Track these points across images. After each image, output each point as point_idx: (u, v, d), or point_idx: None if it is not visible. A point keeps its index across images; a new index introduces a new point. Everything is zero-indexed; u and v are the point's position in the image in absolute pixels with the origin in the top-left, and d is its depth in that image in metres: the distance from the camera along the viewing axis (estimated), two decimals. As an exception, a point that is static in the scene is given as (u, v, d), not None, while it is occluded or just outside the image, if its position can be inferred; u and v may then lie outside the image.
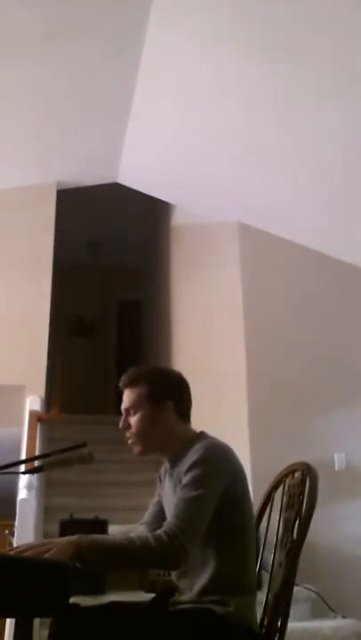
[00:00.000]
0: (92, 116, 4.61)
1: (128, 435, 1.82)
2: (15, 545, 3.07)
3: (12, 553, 1.56)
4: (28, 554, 1.50)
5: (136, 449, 1.81)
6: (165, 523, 1.61)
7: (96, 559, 1.54)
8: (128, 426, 1.81)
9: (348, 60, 3.34)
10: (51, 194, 5.18)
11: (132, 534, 1.62)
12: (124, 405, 1.83)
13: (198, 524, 1.59)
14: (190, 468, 1.66)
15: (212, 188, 4.91)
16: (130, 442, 1.82)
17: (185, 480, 1.65)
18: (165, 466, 1.87)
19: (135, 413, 1.80)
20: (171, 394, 1.81)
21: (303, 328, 4.85)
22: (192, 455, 1.69)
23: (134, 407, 1.80)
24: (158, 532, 1.57)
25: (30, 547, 1.54)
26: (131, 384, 1.83)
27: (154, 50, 3.83)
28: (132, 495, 4.53)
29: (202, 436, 1.80)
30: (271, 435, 4.41)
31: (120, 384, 1.86)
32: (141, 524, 1.90)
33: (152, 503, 1.94)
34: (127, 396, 1.83)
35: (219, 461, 1.69)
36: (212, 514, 1.62)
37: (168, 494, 1.80)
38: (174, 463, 1.79)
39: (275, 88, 3.73)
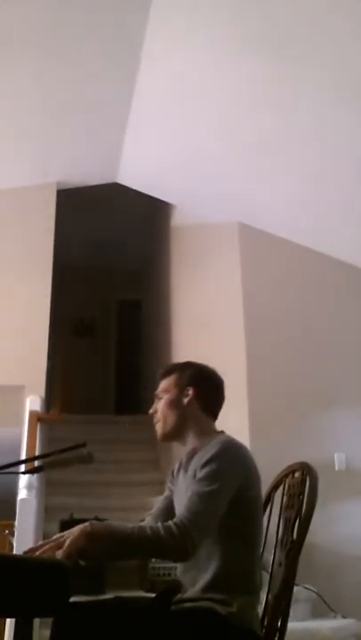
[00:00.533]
0: (92, 116, 4.61)
1: (155, 419, 1.90)
2: (15, 546, 3.08)
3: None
4: (44, 550, 1.50)
5: (158, 432, 1.89)
6: (177, 515, 1.62)
7: (107, 546, 1.55)
8: (155, 410, 1.89)
9: (348, 59, 3.34)
10: (51, 194, 5.17)
11: (142, 523, 1.63)
12: (155, 392, 1.93)
13: (210, 518, 1.60)
14: (206, 463, 1.67)
15: (212, 188, 4.91)
16: (156, 427, 1.90)
17: (200, 474, 1.66)
18: (181, 460, 1.90)
19: (162, 398, 1.89)
20: (195, 382, 1.88)
21: (303, 328, 4.85)
22: (209, 449, 1.71)
23: (163, 392, 1.90)
24: (169, 522, 1.57)
25: (40, 545, 1.54)
26: (165, 375, 1.93)
27: (154, 49, 3.83)
28: (132, 495, 4.53)
29: (222, 434, 1.84)
30: (271, 435, 4.41)
31: (157, 377, 1.95)
32: (148, 515, 1.91)
33: (162, 497, 1.94)
34: (160, 385, 1.92)
35: (235, 459, 1.71)
36: (225, 508, 1.63)
37: (181, 488, 1.81)
38: (191, 456, 1.81)
39: (275, 88, 3.73)
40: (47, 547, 1.51)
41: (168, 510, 1.85)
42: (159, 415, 1.88)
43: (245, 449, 1.78)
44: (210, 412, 1.89)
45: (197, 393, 1.86)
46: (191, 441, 1.84)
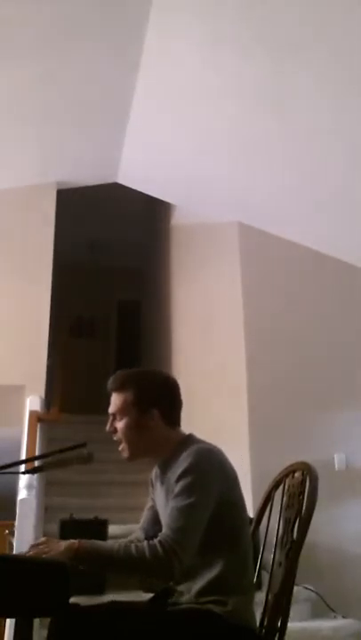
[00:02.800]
0: (92, 116, 4.61)
1: (115, 438, 1.82)
2: (15, 546, 3.07)
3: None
4: (29, 553, 1.51)
5: (124, 454, 1.82)
6: (160, 534, 1.61)
7: (92, 566, 1.57)
8: (114, 430, 1.81)
9: (347, 61, 3.34)
10: (51, 194, 5.17)
11: (130, 537, 1.62)
12: (110, 410, 1.83)
13: (193, 533, 1.59)
14: (180, 477, 1.65)
15: (212, 188, 4.91)
16: (119, 447, 1.82)
17: (177, 489, 1.64)
18: (156, 470, 1.87)
19: (121, 419, 1.80)
20: (157, 402, 1.80)
21: (303, 328, 4.85)
22: (182, 463, 1.68)
23: (120, 413, 1.80)
24: (154, 542, 1.57)
25: (32, 547, 1.55)
26: (118, 388, 1.82)
27: (154, 50, 3.83)
28: (132, 495, 4.53)
29: (190, 439, 1.80)
30: (271, 435, 4.40)
31: (108, 387, 1.85)
32: (139, 528, 1.90)
33: (146, 507, 1.94)
34: (114, 401, 1.82)
35: (209, 467, 1.68)
36: (207, 521, 1.62)
37: (161, 501, 1.80)
38: (164, 468, 1.79)
39: (275, 88, 3.73)
40: (32, 550, 1.52)
41: (155, 521, 1.84)
42: (120, 437, 1.80)
43: (219, 452, 1.75)
44: (174, 421, 1.83)
45: (162, 413, 1.79)
46: (160, 454, 1.81)
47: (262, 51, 3.51)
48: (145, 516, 1.91)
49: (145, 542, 1.58)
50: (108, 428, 1.82)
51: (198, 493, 1.62)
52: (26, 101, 4.32)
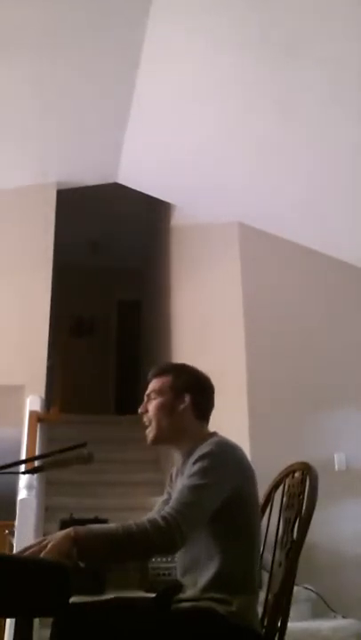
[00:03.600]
0: (92, 116, 4.61)
1: (145, 420, 1.86)
2: (15, 546, 3.08)
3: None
4: (26, 554, 1.50)
5: (149, 436, 1.85)
6: (165, 507, 1.62)
7: (93, 549, 1.53)
8: (146, 410, 1.86)
9: (348, 60, 3.34)
10: (51, 194, 5.17)
11: (129, 521, 1.62)
12: (147, 391, 1.89)
13: (198, 509, 1.59)
14: (198, 460, 1.67)
15: (212, 188, 4.91)
16: (147, 430, 1.86)
17: (191, 471, 1.66)
18: (177, 465, 1.89)
19: (155, 399, 1.85)
20: (192, 389, 1.86)
21: (303, 328, 4.85)
22: (202, 449, 1.71)
23: (156, 393, 1.85)
24: (155, 516, 1.57)
25: (27, 548, 1.54)
26: (157, 374, 1.89)
27: (154, 50, 3.83)
28: (132, 495, 4.53)
29: (215, 435, 1.83)
30: (271, 435, 4.40)
31: (149, 375, 1.91)
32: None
33: (160, 501, 1.94)
34: (152, 384, 1.88)
35: (227, 458, 1.70)
36: (216, 505, 1.62)
37: (177, 489, 1.81)
38: (185, 459, 1.80)
39: (275, 88, 3.73)
40: (29, 551, 1.51)
41: None
42: (150, 416, 1.84)
43: (239, 449, 1.77)
44: (203, 418, 1.88)
45: (193, 400, 1.84)
46: (184, 445, 1.83)
47: (263, 50, 3.51)
48: (157, 506, 1.92)
49: (145, 518, 1.59)
50: (140, 409, 1.87)
51: (211, 477, 1.63)
52: (26, 101, 4.32)
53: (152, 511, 1.90)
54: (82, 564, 1.52)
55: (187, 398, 1.83)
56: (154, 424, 1.83)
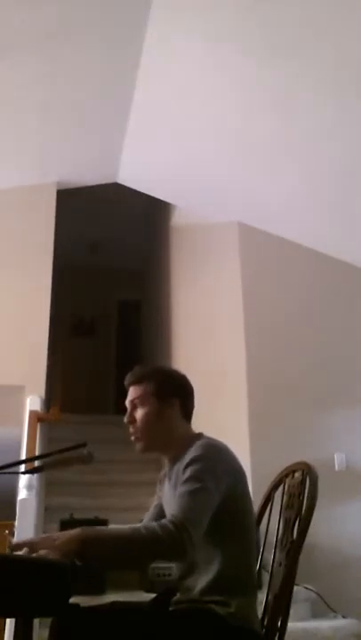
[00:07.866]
0: (92, 116, 4.61)
1: (132, 429, 1.82)
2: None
3: (13, 545, 1.55)
4: (38, 551, 1.49)
5: (139, 445, 1.82)
6: (171, 514, 1.60)
7: (101, 552, 1.51)
8: (133, 420, 1.82)
9: (348, 60, 3.34)
10: (51, 194, 5.17)
11: (136, 525, 1.61)
12: (129, 399, 1.85)
13: (203, 514, 1.58)
14: (189, 465, 1.66)
15: (212, 188, 4.91)
16: (133, 438, 1.82)
17: (184, 476, 1.65)
18: (164, 469, 1.88)
19: (141, 408, 1.81)
20: (177, 392, 1.84)
21: (303, 328, 4.85)
22: (191, 453, 1.69)
23: (140, 401, 1.82)
24: (164, 521, 1.55)
25: (30, 543, 1.53)
26: (137, 381, 1.85)
27: (154, 50, 3.83)
28: (132, 495, 4.53)
29: (201, 436, 1.81)
30: (271, 435, 4.41)
31: (126, 382, 1.87)
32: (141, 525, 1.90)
33: (152, 505, 1.94)
34: (133, 392, 1.84)
35: (218, 458, 1.70)
36: (214, 509, 1.61)
37: (168, 495, 1.80)
38: (173, 462, 1.79)
39: (275, 88, 3.73)
40: (34, 542, 1.51)
41: (160, 517, 1.82)
42: (139, 426, 1.80)
43: (227, 449, 1.75)
44: (189, 417, 1.87)
45: (181, 403, 1.83)
46: (172, 448, 1.81)
47: (263, 50, 3.51)
48: (149, 512, 1.91)
49: (154, 523, 1.56)
50: (126, 418, 1.83)
51: (207, 479, 1.62)
52: (26, 101, 4.32)
53: (145, 516, 1.90)
54: (78, 563, 1.51)
55: (175, 402, 1.82)
56: (144, 433, 1.80)
